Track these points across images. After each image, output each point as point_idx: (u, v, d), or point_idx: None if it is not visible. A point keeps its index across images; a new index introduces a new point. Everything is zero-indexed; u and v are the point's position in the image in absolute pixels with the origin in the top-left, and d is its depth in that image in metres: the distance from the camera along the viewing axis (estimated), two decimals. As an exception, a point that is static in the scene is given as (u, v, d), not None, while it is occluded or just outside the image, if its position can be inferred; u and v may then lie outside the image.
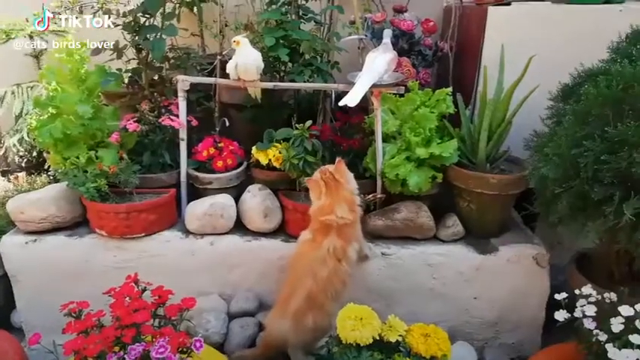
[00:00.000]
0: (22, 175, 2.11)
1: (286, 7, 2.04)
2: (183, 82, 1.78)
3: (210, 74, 2.09)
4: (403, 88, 1.71)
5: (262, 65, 1.74)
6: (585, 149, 1.38)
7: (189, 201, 1.90)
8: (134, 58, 1.86)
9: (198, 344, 1.33)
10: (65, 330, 1.34)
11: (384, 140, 1.87)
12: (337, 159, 1.60)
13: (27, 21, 2.29)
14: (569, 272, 1.71)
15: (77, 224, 1.85)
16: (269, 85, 1.79)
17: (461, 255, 1.76)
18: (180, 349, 1.31)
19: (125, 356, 1.25)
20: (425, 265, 1.76)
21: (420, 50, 2.11)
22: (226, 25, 2.18)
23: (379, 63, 1.63)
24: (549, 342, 1.69)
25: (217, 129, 2.16)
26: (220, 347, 1.72)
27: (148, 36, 1.75)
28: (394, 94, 1.76)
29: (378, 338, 1.32)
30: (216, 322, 1.72)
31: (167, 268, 1.81)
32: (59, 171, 1.76)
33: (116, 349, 1.30)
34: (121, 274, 1.74)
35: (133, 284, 1.49)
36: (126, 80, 2.07)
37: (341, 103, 1.58)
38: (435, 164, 1.77)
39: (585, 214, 1.45)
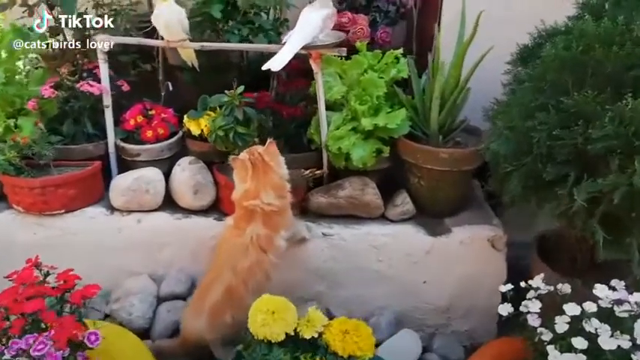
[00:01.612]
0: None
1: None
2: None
3: (152, 35, 1.89)
4: (345, 49, 1.50)
5: (186, 23, 1.55)
6: (539, 122, 1.19)
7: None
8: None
9: (92, 337, 1.20)
10: (-49, 319, 1.22)
11: (332, 109, 1.69)
12: (268, 140, 1.42)
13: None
14: (531, 256, 1.55)
15: (-5, 199, 1.71)
16: (195, 45, 1.59)
17: (409, 236, 1.60)
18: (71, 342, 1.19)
19: (5, 351, 1.13)
20: (369, 246, 1.60)
21: (378, 6, 1.89)
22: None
23: (313, 20, 1.42)
24: (506, 330, 1.55)
25: (162, 93, 1.99)
26: (146, 332, 1.60)
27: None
28: (339, 56, 1.56)
29: (292, 334, 1.17)
30: (140, 306, 1.59)
31: (92, 246, 1.67)
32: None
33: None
34: (45, 253, 1.61)
35: (34, 268, 1.35)
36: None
37: (264, 67, 1.39)
38: (383, 136, 1.59)
39: (538, 195, 1.28)
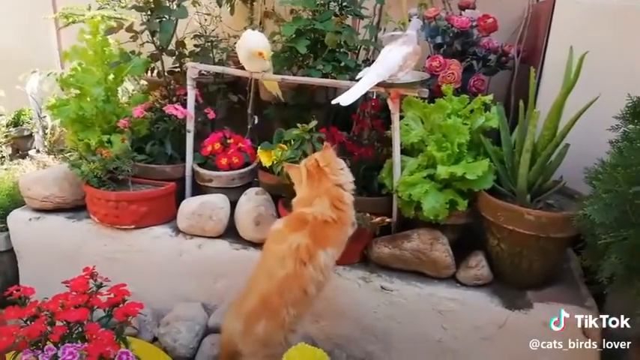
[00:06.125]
0: (50, 158, 2.12)
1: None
2: (192, 69, 1.66)
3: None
4: (426, 91, 1.40)
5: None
6: (648, 188, 0.98)
7: (194, 198, 1.76)
8: (148, 42, 1.77)
9: (124, 357, 1.17)
10: (6, 316, 1.26)
11: (410, 154, 1.57)
12: (325, 144, 1.33)
13: (89, 8, 2.34)
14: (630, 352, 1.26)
15: (79, 207, 1.81)
16: (276, 77, 1.58)
17: (480, 305, 1.39)
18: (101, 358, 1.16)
19: (40, 356, 1.13)
20: (433, 310, 1.42)
21: (475, 52, 1.76)
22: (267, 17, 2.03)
23: (392, 57, 1.34)
24: None
25: (249, 126, 2.03)
26: (188, 362, 1.55)
27: (159, 18, 1.65)
28: (419, 97, 1.45)
29: (322, 394, 1.04)
30: (187, 334, 1.55)
31: (153, 266, 1.69)
32: (63, 151, 1.73)
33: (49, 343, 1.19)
34: (110, 265, 1.67)
35: (89, 277, 1.37)
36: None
37: (333, 102, 1.32)
38: (461, 188, 1.43)
39: (643, 278, 1.04)
